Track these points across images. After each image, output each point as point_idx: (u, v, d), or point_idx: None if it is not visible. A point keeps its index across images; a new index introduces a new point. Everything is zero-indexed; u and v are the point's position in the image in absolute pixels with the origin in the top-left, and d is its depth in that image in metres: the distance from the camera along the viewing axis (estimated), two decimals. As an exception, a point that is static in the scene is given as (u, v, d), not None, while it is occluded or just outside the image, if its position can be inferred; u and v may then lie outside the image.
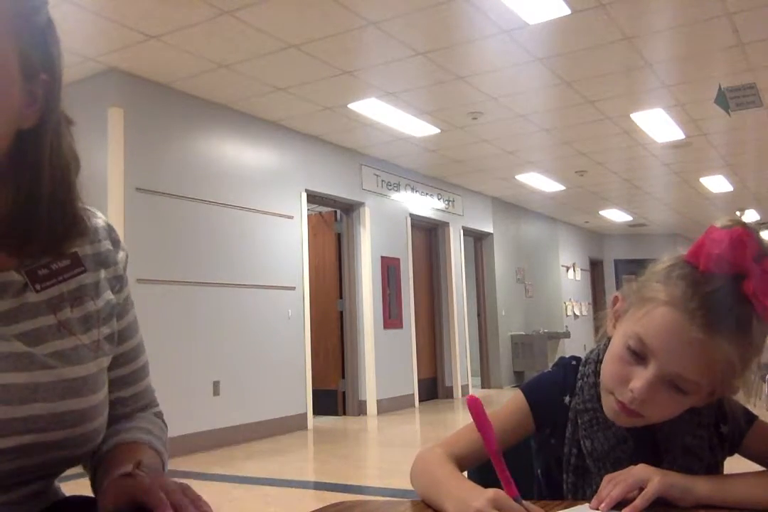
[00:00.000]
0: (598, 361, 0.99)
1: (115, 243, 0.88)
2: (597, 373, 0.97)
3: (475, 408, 0.73)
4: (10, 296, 0.73)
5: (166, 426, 0.93)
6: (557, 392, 1.01)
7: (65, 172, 0.74)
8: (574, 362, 1.04)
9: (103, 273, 0.84)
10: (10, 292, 0.73)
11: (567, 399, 1.00)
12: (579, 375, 1.00)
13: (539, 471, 1.06)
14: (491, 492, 0.77)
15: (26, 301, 0.74)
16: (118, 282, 0.87)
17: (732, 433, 0.94)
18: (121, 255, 0.88)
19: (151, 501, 0.67)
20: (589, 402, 0.97)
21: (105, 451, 0.82)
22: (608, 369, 0.92)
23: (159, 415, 0.94)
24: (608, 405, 0.93)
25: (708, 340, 0.82)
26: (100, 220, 0.87)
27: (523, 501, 0.75)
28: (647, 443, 0.92)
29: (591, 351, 1.03)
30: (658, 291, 0.87)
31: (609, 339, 0.99)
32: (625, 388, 0.88)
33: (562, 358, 1.07)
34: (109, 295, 0.84)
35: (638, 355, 0.87)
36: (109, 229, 0.88)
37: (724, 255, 0.82)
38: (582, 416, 0.97)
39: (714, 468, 0.95)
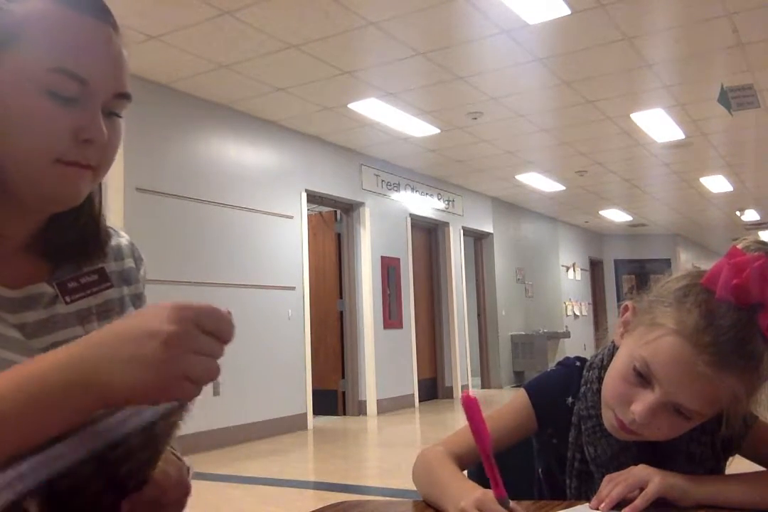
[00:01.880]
0: (602, 367, 0.98)
1: (138, 260, 0.91)
2: (601, 380, 0.96)
3: (471, 406, 0.72)
4: (41, 307, 0.76)
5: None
6: (560, 392, 1.01)
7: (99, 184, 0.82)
8: (578, 363, 1.04)
9: (125, 290, 0.87)
10: (42, 303, 0.76)
11: (570, 400, 1.00)
12: (583, 380, 1.00)
13: (540, 470, 1.06)
14: (478, 492, 0.77)
15: (57, 312, 0.77)
16: (138, 300, 0.90)
17: (733, 435, 0.94)
18: (142, 271, 0.92)
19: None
20: (593, 409, 0.96)
21: None
22: (611, 386, 0.91)
23: None
24: (608, 420, 0.92)
25: (715, 376, 0.80)
26: (123, 239, 0.91)
27: (511, 503, 0.75)
28: (650, 450, 0.92)
29: (595, 356, 1.02)
30: (669, 318, 0.85)
31: (613, 343, 0.98)
32: (626, 408, 0.87)
33: (567, 358, 1.06)
34: (132, 311, 0.87)
35: (643, 378, 0.86)
36: (132, 247, 0.92)
37: (743, 285, 0.79)
38: (585, 422, 0.97)
39: (716, 472, 0.95)
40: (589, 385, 0.98)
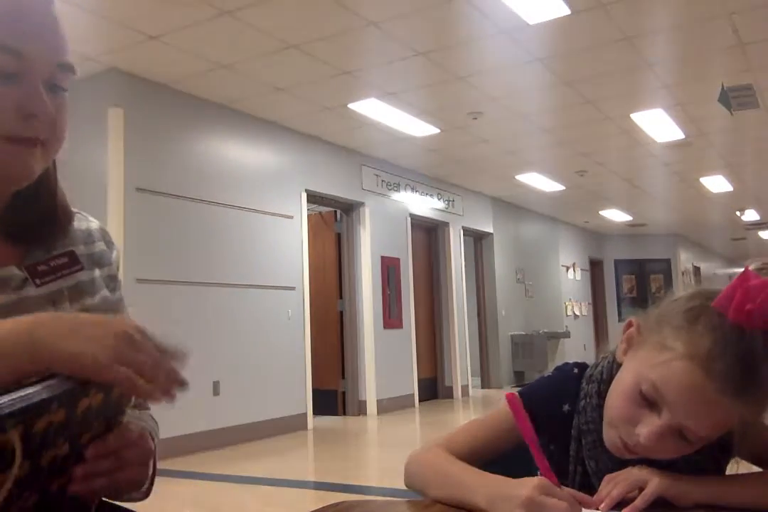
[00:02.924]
0: (602, 381, 0.96)
1: (109, 244, 0.92)
2: (600, 394, 0.95)
3: (515, 404, 0.75)
4: (10, 290, 0.76)
5: (157, 425, 0.94)
6: (556, 399, 0.99)
7: (54, 164, 0.83)
8: (576, 370, 1.02)
9: (98, 272, 0.87)
10: (11, 286, 0.76)
11: (566, 407, 0.98)
12: (582, 393, 0.98)
13: (539, 474, 1.06)
14: (536, 479, 0.76)
15: (26, 296, 0.77)
16: (112, 282, 0.90)
17: (731, 438, 0.94)
18: (114, 254, 0.92)
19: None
20: (592, 423, 0.95)
21: None
22: (615, 405, 0.89)
23: (150, 416, 0.95)
24: (609, 438, 0.90)
25: (726, 402, 0.79)
26: (93, 223, 0.91)
27: (566, 488, 0.76)
28: (652, 463, 0.90)
29: (594, 367, 1.00)
30: (679, 341, 0.83)
31: (613, 355, 0.97)
32: (630, 429, 0.86)
33: (565, 364, 1.04)
34: (105, 293, 0.87)
35: (650, 401, 0.85)
36: (103, 231, 0.92)
37: (757, 311, 0.78)
38: (586, 436, 0.95)
39: (717, 474, 0.95)
40: (588, 399, 0.96)
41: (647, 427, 0.84)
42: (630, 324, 0.93)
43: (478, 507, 0.79)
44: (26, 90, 0.69)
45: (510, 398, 0.76)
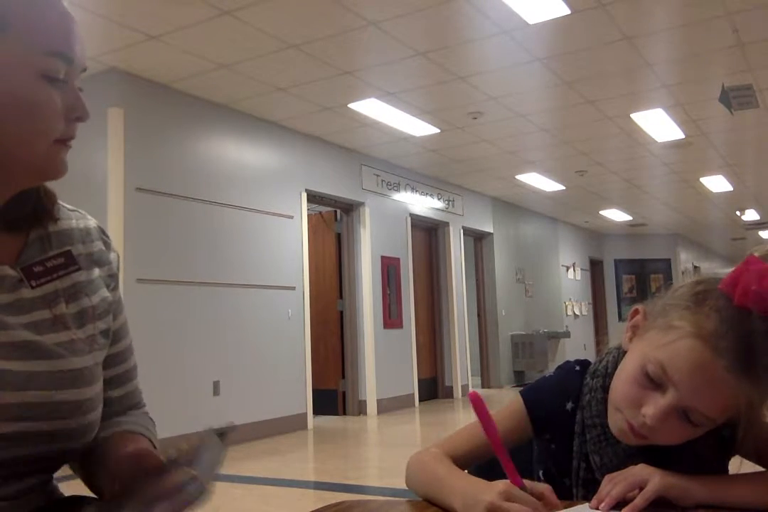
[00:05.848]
0: (607, 375, 0.96)
1: (107, 244, 0.91)
2: (605, 388, 0.95)
3: (477, 402, 0.75)
4: (5, 290, 0.75)
5: (154, 424, 0.94)
6: (558, 397, 0.99)
7: None
8: (578, 367, 1.02)
9: (97, 271, 0.86)
10: (5, 287, 0.75)
11: (569, 405, 0.98)
12: (587, 389, 0.98)
13: (541, 472, 1.06)
14: (501, 484, 0.77)
15: (21, 296, 0.76)
16: (113, 281, 0.90)
17: (733, 435, 0.94)
18: (113, 255, 0.91)
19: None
20: (597, 418, 0.95)
21: (102, 438, 0.83)
22: (621, 388, 0.90)
23: (146, 414, 0.96)
24: (615, 423, 0.91)
25: (733, 381, 0.80)
26: (91, 221, 0.90)
27: (528, 488, 0.77)
28: (657, 456, 0.91)
29: (599, 362, 1.00)
30: (686, 320, 0.84)
31: (618, 350, 0.97)
32: (636, 411, 0.86)
33: (567, 362, 1.05)
34: (104, 292, 0.86)
35: (655, 382, 0.85)
36: (101, 230, 0.91)
37: (763, 293, 0.79)
38: (590, 431, 0.96)
39: (720, 473, 0.94)
40: (593, 394, 0.97)
41: (653, 408, 0.84)
42: (636, 312, 0.94)
43: (456, 511, 0.80)
44: (72, 94, 0.74)
45: (472, 398, 0.76)
